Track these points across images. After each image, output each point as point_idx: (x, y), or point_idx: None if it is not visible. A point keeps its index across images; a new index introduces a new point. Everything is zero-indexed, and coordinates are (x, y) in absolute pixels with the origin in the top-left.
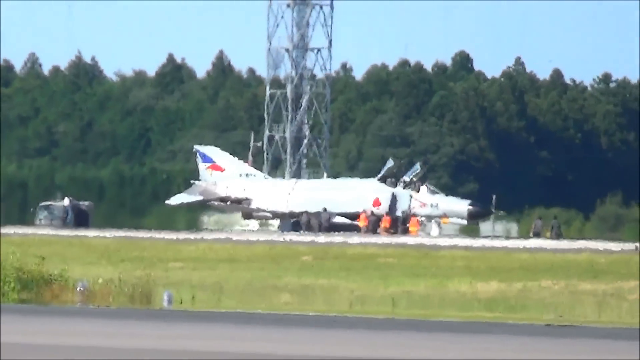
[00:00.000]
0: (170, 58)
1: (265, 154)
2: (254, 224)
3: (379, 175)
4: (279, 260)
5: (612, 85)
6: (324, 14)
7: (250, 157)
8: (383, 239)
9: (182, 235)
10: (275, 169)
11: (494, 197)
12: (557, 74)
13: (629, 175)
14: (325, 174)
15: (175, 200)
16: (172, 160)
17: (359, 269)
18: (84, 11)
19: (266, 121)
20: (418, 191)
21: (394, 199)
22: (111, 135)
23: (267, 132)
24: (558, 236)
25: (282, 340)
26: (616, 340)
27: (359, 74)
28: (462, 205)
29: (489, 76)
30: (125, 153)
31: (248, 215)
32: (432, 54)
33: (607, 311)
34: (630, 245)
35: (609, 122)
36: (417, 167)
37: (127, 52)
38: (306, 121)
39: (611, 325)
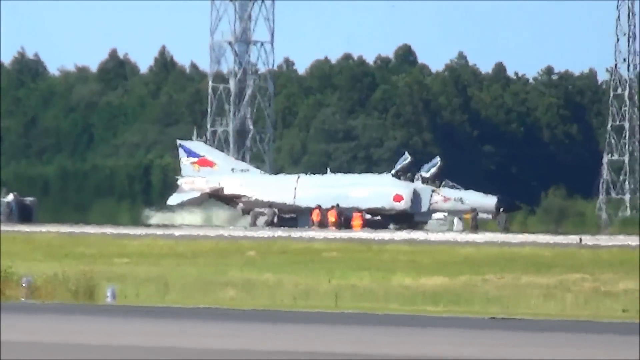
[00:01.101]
0: (113, 53)
1: None
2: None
3: (394, 171)
4: (223, 256)
5: (554, 78)
6: (266, 8)
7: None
8: (328, 233)
9: (126, 231)
10: None
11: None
12: (499, 68)
13: (573, 168)
14: (268, 169)
15: (174, 200)
16: (115, 156)
17: (304, 263)
18: (27, 7)
19: (209, 116)
20: (439, 186)
21: (416, 195)
22: (55, 131)
23: (210, 127)
24: (506, 230)
25: (227, 335)
26: (560, 333)
27: (302, 68)
28: (490, 200)
29: (433, 70)
30: (68, 149)
31: (247, 210)
32: (375, 47)
33: (552, 304)
34: (574, 238)
35: (551, 115)
36: (437, 161)
37: (69, 48)
38: (249, 116)
39: (556, 317)
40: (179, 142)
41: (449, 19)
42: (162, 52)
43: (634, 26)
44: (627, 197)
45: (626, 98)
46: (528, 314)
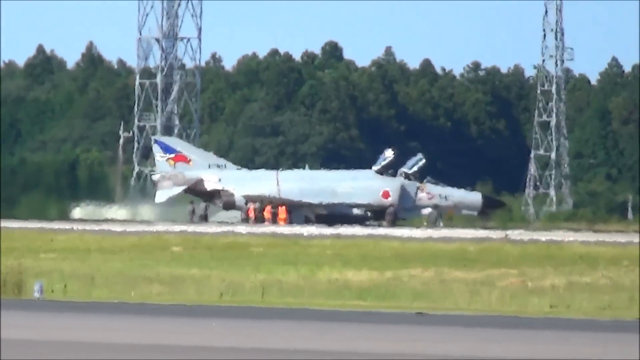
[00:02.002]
0: (40, 49)
1: (135, 143)
2: (233, 214)
3: (378, 167)
4: (149, 251)
5: (481, 73)
6: (193, 4)
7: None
8: (254, 228)
9: (54, 225)
10: (146, 158)
11: None
12: (427, 63)
13: (500, 163)
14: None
15: (162, 196)
16: (42, 150)
17: (230, 258)
18: None
19: (136, 111)
20: (421, 183)
21: (403, 191)
22: None
23: (137, 122)
24: (435, 225)
25: (154, 330)
26: (485, 328)
27: (229, 63)
28: (475, 197)
29: (359, 65)
30: None
31: (230, 205)
32: (301, 43)
33: (478, 299)
34: (500, 234)
35: (478, 111)
36: (420, 158)
37: None
38: (176, 111)
39: (482, 313)
40: (154, 138)
41: (376, 15)
42: (90, 48)
43: (561, 22)
44: (553, 192)
45: (553, 93)
46: (454, 309)
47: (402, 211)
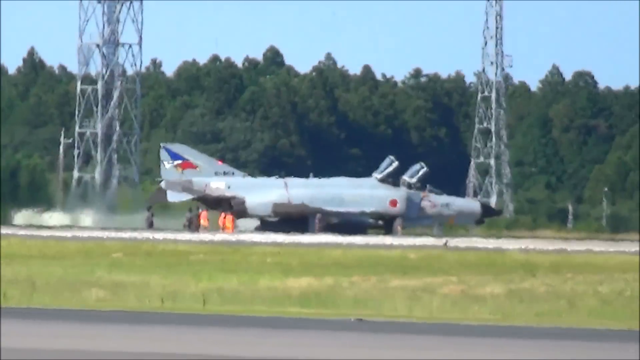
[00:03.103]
0: None
1: (75, 150)
2: (247, 223)
3: (381, 176)
4: (90, 257)
5: (422, 80)
6: (134, 10)
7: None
8: (195, 236)
9: None
10: (86, 164)
11: None
12: (367, 70)
13: (440, 170)
14: (135, 170)
15: (174, 199)
16: None
17: (171, 265)
18: None
19: (77, 117)
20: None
21: (408, 200)
22: None
23: (78, 129)
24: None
25: (93, 337)
26: (425, 335)
27: (169, 69)
28: (474, 206)
29: (300, 72)
30: None
31: (241, 213)
32: (243, 49)
33: (418, 306)
34: (440, 241)
35: (419, 118)
36: (422, 167)
37: None
38: (116, 117)
39: (421, 320)
40: (162, 144)
41: (317, 21)
42: (31, 53)
43: (501, 29)
44: (494, 199)
45: (493, 100)
46: (394, 316)
47: (407, 220)
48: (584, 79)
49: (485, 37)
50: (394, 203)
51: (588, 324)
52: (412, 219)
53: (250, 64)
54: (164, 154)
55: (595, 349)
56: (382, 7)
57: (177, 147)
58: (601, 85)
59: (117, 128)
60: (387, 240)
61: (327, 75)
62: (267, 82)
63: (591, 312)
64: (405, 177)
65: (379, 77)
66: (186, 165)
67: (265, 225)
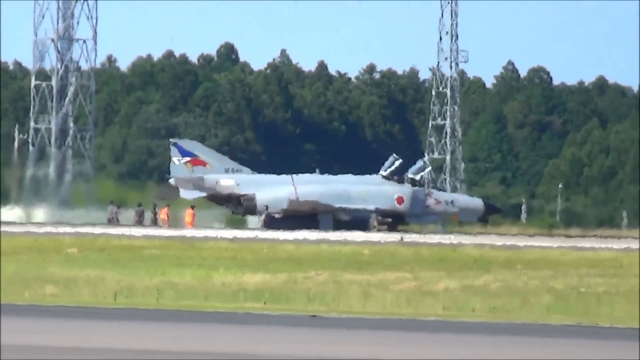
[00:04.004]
0: None
1: (30, 145)
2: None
3: (385, 173)
4: (44, 252)
5: (376, 76)
6: (89, 6)
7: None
8: (148, 230)
9: None
10: (41, 160)
11: None
12: (322, 66)
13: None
14: (89, 166)
15: (187, 196)
16: None
17: (125, 260)
18: None
19: (31, 113)
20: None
21: (414, 197)
22: None
23: (32, 124)
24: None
25: (45, 332)
26: (378, 331)
27: (124, 65)
28: (477, 203)
29: (255, 68)
30: None
31: (251, 210)
32: (197, 45)
33: (372, 302)
34: (394, 237)
35: (373, 114)
36: (426, 164)
37: None
38: (71, 113)
39: (376, 316)
40: (172, 141)
41: (272, 17)
42: None
43: (456, 25)
44: None
45: (447, 96)
46: (348, 312)
47: (412, 217)
48: (539, 75)
49: (440, 33)
50: (400, 200)
51: (542, 319)
52: (417, 215)
53: (205, 60)
54: (173, 151)
55: (549, 345)
56: (336, 4)
57: (187, 144)
58: (556, 81)
59: (72, 123)
60: (339, 235)
61: (282, 71)
62: (222, 78)
63: (545, 308)
64: (409, 175)
65: (333, 73)
66: (196, 162)
67: (272, 222)
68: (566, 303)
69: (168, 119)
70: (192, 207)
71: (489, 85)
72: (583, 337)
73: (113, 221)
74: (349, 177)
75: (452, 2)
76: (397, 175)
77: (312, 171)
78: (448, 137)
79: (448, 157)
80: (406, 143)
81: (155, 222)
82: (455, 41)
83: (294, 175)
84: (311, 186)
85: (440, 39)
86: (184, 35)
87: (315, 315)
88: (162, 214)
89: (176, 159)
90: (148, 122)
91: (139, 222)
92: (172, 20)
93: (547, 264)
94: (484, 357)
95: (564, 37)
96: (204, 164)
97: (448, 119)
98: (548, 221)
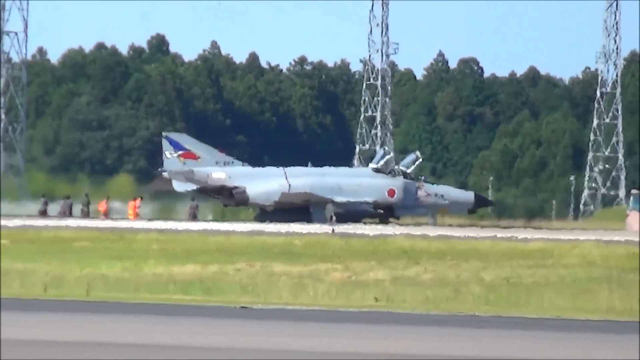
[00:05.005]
0: None
1: None
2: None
3: (376, 166)
4: None
5: (308, 68)
6: None
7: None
8: (80, 222)
9: None
10: None
11: None
12: (253, 57)
13: (326, 158)
14: (21, 158)
15: (181, 187)
16: None
17: (55, 252)
18: None
19: None
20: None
21: (405, 190)
22: None
23: None
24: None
25: None
26: (309, 322)
27: (55, 57)
28: (468, 196)
29: (186, 59)
30: None
31: (244, 202)
32: (128, 37)
33: (303, 293)
34: (327, 228)
35: (304, 105)
36: (417, 156)
37: None
38: (1, 105)
39: (306, 306)
40: (164, 134)
41: (203, 9)
42: None
43: (387, 17)
44: None
45: (379, 88)
46: (279, 303)
47: (403, 209)
48: (470, 66)
49: (370, 25)
50: (391, 192)
51: (473, 310)
52: (408, 207)
53: (135, 51)
54: (165, 144)
55: (479, 336)
56: None
57: (178, 137)
58: (487, 72)
59: (3, 116)
60: (271, 227)
61: (213, 62)
62: (153, 70)
63: (475, 299)
64: (401, 167)
65: (264, 64)
66: (187, 155)
67: (265, 215)
68: (496, 294)
69: (99, 111)
70: (138, 199)
71: (419, 76)
72: (513, 328)
73: (65, 215)
74: (340, 170)
75: None
76: (389, 168)
77: (241, 162)
78: (379, 129)
79: (379, 148)
80: (337, 134)
81: (87, 215)
82: (385, 33)
83: (286, 168)
84: (303, 179)
85: (371, 30)
86: (115, 26)
87: (246, 307)
88: (101, 207)
89: (168, 152)
90: (79, 114)
91: (65, 213)
92: (103, 12)
93: (478, 255)
94: (414, 349)
95: (495, 28)
96: (195, 157)
97: (379, 111)
98: (479, 212)
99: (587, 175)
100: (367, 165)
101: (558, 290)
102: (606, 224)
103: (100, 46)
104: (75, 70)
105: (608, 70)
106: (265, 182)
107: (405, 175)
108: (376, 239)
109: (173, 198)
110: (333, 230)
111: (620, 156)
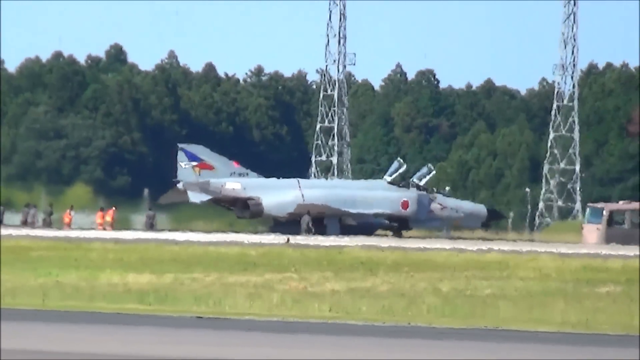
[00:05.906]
0: None
1: None
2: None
3: (390, 178)
4: None
5: (264, 78)
6: None
7: None
8: (37, 232)
9: None
10: None
11: (146, 190)
12: (210, 67)
13: (282, 168)
14: None
15: (196, 198)
16: None
17: (10, 261)
18: None
19: None
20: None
21: (419, 202)
22: None
23: None
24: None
25: None
26: (263, 333)
27: (11, 66)
28: (480, 209)
29: (143, 69)
30: None
31: (258, 214)
32: (86, 46)
33: (258, 303)
34: (281, 238)
35: (260, 115)
36: (430, 169)
37: None
38: None
39: (260, 317)
40: (180, 145)
41: (160, 19)
42: None
43: (344, 28)
44: None
45: (335, 99)
46: (233, 313)
47: (416, 222)
48: (427, 78)
49: (328, 36)
50: (405, 205)
51: (429, 321)
52: (422, 220)
53: (93, 61)
54: (180, 155)
55: (436, 347)
56: (224, 6)
57: (193, 148)
58: (443, 84)
59: None
60: (229, 237)
61: (170, 72)
62: (110, 79)
63: (431, 310)
64: (414, 180)
65: (221, 74)
66: (203, 166)
67: (278, 226)
68: (452, 306)
69: (56, 120)
70: (112, 209)
71: (377, 87)
72: (469, 339)
73: (28, 224)
74: (354, 182)
75: (340, 4)
76: (403, 181)
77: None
78: (336, 140)
79: (335, 159)
80: (293, 145)
81: (49, 224)
82: (343, 44)
83: (300, 179)
84: (317, 190)
85: (328, 41)
86: (72, 36)
87: (201, 317)
88: (66, 217)
89: (183, 163)
90: (36, 123)
91: (26, 222)
92: (60, 21)
93: (434, 266)
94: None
95: (452, 40)
96: (210, 167)
97: (336, 122)
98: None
99: (543, 188)
100: (326, 176)
101: (514, 302)
102: (562, 236)
103: (58, 55)
104: (32, 79)
105: (565, 83)
106: (280, 194)
107: (419, 187)
108: (332, 250)
109: (188, 209)
110: (288, 240)
111: (577, 169)
